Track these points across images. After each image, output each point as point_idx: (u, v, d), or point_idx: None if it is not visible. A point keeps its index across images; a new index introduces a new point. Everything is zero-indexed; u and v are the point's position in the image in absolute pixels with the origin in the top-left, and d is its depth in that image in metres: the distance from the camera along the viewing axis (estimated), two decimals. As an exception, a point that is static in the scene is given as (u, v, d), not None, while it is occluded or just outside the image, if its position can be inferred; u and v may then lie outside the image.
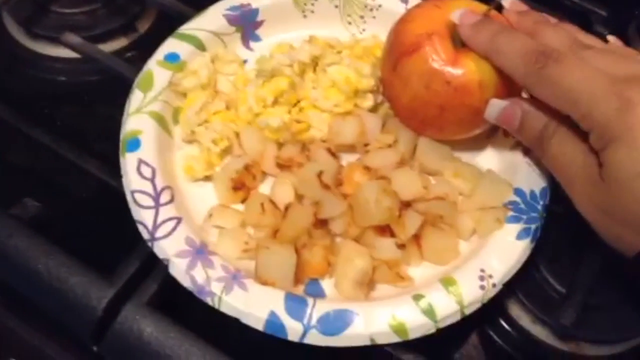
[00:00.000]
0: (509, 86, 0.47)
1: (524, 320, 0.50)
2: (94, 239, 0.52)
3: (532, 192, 0.49)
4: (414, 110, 0.48)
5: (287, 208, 0.47)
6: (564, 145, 0.44)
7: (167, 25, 0.65)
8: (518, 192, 0.50)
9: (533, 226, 0.48)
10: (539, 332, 0.50)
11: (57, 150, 0.52)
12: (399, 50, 0.48)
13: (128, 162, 0.48)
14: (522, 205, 0.49)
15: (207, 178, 0.51)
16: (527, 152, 0.51)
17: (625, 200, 0.40)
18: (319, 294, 0.46)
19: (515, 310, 0.51)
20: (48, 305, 0.46)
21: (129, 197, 0.47)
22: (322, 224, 0.47)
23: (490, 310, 0.48)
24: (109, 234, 0.52)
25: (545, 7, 0.57)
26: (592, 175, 0.42)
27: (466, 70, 0.46)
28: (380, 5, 0.59)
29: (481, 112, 0.47)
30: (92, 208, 0.54)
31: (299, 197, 0.48)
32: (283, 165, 0.51)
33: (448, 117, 0.48)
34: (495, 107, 0.47)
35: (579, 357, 0.49)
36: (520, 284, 0.49)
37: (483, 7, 0.49)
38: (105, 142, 0.59)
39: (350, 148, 0.53)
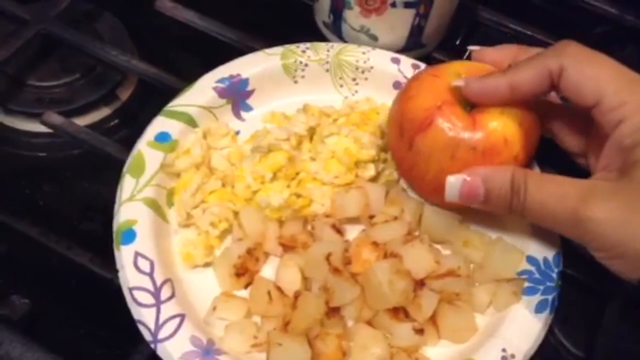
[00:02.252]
0: (532, 133, 0.46)
1: (543, 386, 0.49)
2: (90, 337, 0.49)
3: (546, 260, 0.48)
4: (441, 184, 0.46)
5: (296, 297, 0.45)
6: (544, 186, 0.41)
7: (149, 92, 0.63)
8: (531, 260, 0.48)
9: (550, 297, 0.46)
10: (559, 398, 0.49)
11: (46, 244, 0.49)
12: (410, 128, 0.46)
13: (124, 255, 0.45)
14: (537, 275, 0.47)
15: (207, 264, 0.48)
16: (535, 216, 0.50)
17: None
18: (334, 384, 0.44)
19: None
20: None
21: (127, 295, 0.44)
22: (334, 311, 0.45)
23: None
24: (106, 332, 0.49)
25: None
26: (604, 189, 0.40)
27: (488, 131, 0.44)
28: (371, 67, 0.57)
29: None
30: (86, 302, 0.50)
31: (307, 281, 0.46)
32: (287, 245, 0.48)
33: None
34: (454, 185, 0.44)
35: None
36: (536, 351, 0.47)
37: (478, 66, 0.48)
38: (92, 222, 0.57)
39: (354, 220, 0.51)
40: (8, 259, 0.53)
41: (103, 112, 0.63)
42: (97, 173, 0.60)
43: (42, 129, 0.60)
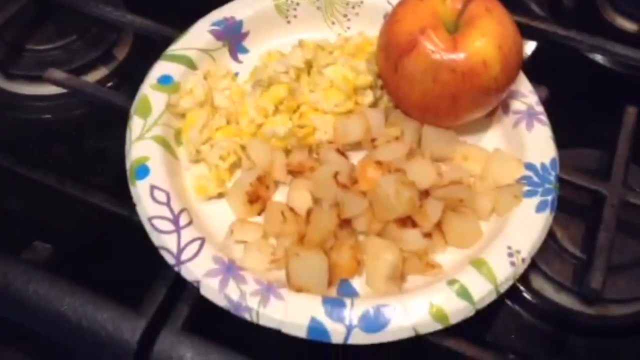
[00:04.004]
0: (512, 57, 0.48)
1: (548, 290, 0.51)
2: (112, 272, 0.50)
3: (543, 165, 0.50)
4: (426, 106, 0.49)
5: (308, 213, 0.47)
6: None
7: (144, 50, 0.65)
8: (529, 166, 0.50)
9: (550, 197, 0.49)
10: (565, 300, 0.51)
11: (62, 189, 0.51)
12: (396, 51, 0.48)
13: (140, 189, 0.47)
14: (536, 179, 0.50)
15: (220, 195, 0.50)
16: (530, 126, 0.52)
17: None
18: (351, 293, 0.46)
19: (538, 282, 0.52)
20: (79, 346, 0.45)
21: (146, 225, 0.46)
22: (345, 224, 0.47)
23: (514, 287, 0.48)
24: (127, 266, 0.51)
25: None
26: None
27: (468, 53, 0.47)
28: (362, 2, 0.59)
29: (492, 90, 0.48)
30: (104, 241, 0.53)
31: (317, 201, 0.48)
32: (295, 172, 0.50)
33: (462, 103, 0.48)
34: None
35: (607, 318, 0.51)
36: (538, 256, 0.50)
37: None
38: (101, 176, 0.58)
39: (357, 146, 0.53)
40: (28, 210, 0.55)
41: (101, 72, 0.65)
42: (102, 130, 0.62)
43: (45, 91, 0.61)
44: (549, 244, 0.52)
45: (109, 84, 0.65)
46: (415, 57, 0.48)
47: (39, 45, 0.64)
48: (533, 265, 0.51)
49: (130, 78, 0.65)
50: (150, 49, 0.62)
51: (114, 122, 0.55)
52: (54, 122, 0.62)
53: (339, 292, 0.46)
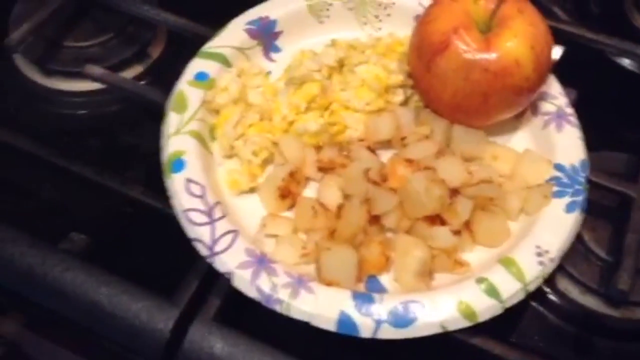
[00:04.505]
0: (544, 58, 0.48)
1: (574, 292, 0.51)
2: (147, 264, 0.52)
3: (573, 166, 0.51)
4: (457, 105, 0.50)
5: (339, 209, 0.47)
6: None
7: (177, 49, 0.66)
8: (559, 167, 0.51)
9: (579, 198, 0.49)
10: (590, 302, 0.51)
11: (99, 181, 0.52)
12: (429, 50, 0.49)
13: (176, 182, 0.48)
14: (565, 180, 0.50)
15: (251, 190, 0.51)
16: (560, 128, 0.53)
17: None
18: (380, 289, 0.47)
19: (564, 284, 0.52)
20: (114, 335, 0.46)
21: (181, 217, 0.47)
22: (375, 220, 0.47)
23: (539, 288, 0.49)
24: (161, 258, 0.52)
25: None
26: None
27: (501, 53, 0.47)
28: (393, 3, 0.60)
29: (524, 90, 0.48)
30: (139, 234, 0.54)
31: (347, 197, 0.49)
32: (325, 168, 0.51)
33: (493, 103, 0.49)
34: None
35: (632, 321, 0.50)
36: (565, 257, 0.50)
37: None
38: (134, 171, 0.60)
39: (387, 144, 0.53)
40: (65, 202, 0.56)
41: (136, 70, 0.66)
42: (137, 126, 0.63)
43: (81, 87, 0.63)
44: (576, 245, 0.52)
45: (143, 82, 0.66)
46: (447, 56, 0.48)
47: (77, 42, 0.65)
48: (559, 266, 0.51)
49: (163, 76, 0.66)
50: (183, 48, 0.63)
51: (147, 118, 0.56)
52: (89, 118, 0.64)
53: (367, 288, 0.47)
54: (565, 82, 0.57)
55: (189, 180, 0.48)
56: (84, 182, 0.53)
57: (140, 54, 0.66)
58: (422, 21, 0.51)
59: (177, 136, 0.51)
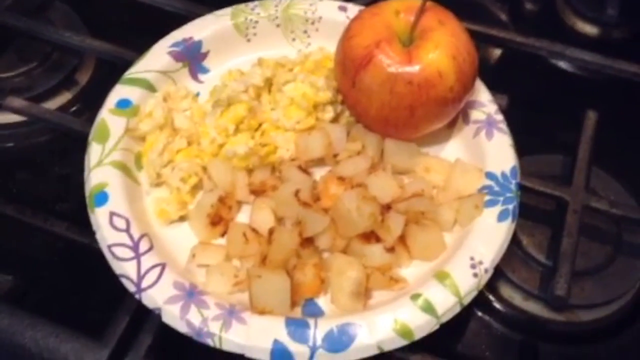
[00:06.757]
0: (467, 67, 0.48)
1: (517, 299, 0.51)
2: (74, 302, 0.50)
3: (503, 173, 0.50)
4: (385, 119, 0.49)
5: (270, 233, 0.46)
6: None
7: (107, 73, 0.64)
8: (489, 175, 0.50)
9: (511, 206, 0.49)
10: (533, 307, 0.51)
11: (22, 219, 0.50)
12: (352, 65, 0.49)
13: (99, 217, 0.47)
14: (497, 188, 0.50)
15: (182, 218, 0.50)
16: (490, 135, 0.52)
17: None
18: (316, 313, 0.46)
19: (506, 291, 0.52)
20: (42, 379, 0.45)
21: (106, 253, 0.46)
22: (308, 242, 0.47)
23: (482, 296, 0.48)
24: (89, 295, 0.50)
25: None
26: None
27: (423, 65, 0.47)
28: (320, 17, 0.59)
29: (449, 100, 0.48)
30: (65, 271, 0.52)
31: (279, 220, 0.48)
32: (257, 191, 0.50)
33: (420, 115, 0.49)
34: None
35: (576, 324, 0.51)
36: (505, 264, 0.50)
37: (416, 3, 0.50)
38: (65, 203, 0.58)
39: (320, 162, 0.52)
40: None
41: (64, 98, 0.64)
42: (65, 157, 0.61)
43: (6, 120, 0.61)
44: (515, 251, 0.52)
45: (73, 109, 0.64)
46: (371, 70, 0.48)
47: (1, 73, 0.63)
48: (501, 274, 0.51)
49: (94, 102, 0.64)
50: (114, 72, 0.61)
51: (76, 148, 0.54)
52: (16, 150, 0.62)
53: (304, 312, 0.46)
54: (500, 86, 0.57)
55: (113, 214, 0.47)
56: (6, 220, 0.51)
57: (67, 81, 0.65)
58: (345, 36, 0.50)
59: (99, 168, 0.49)
